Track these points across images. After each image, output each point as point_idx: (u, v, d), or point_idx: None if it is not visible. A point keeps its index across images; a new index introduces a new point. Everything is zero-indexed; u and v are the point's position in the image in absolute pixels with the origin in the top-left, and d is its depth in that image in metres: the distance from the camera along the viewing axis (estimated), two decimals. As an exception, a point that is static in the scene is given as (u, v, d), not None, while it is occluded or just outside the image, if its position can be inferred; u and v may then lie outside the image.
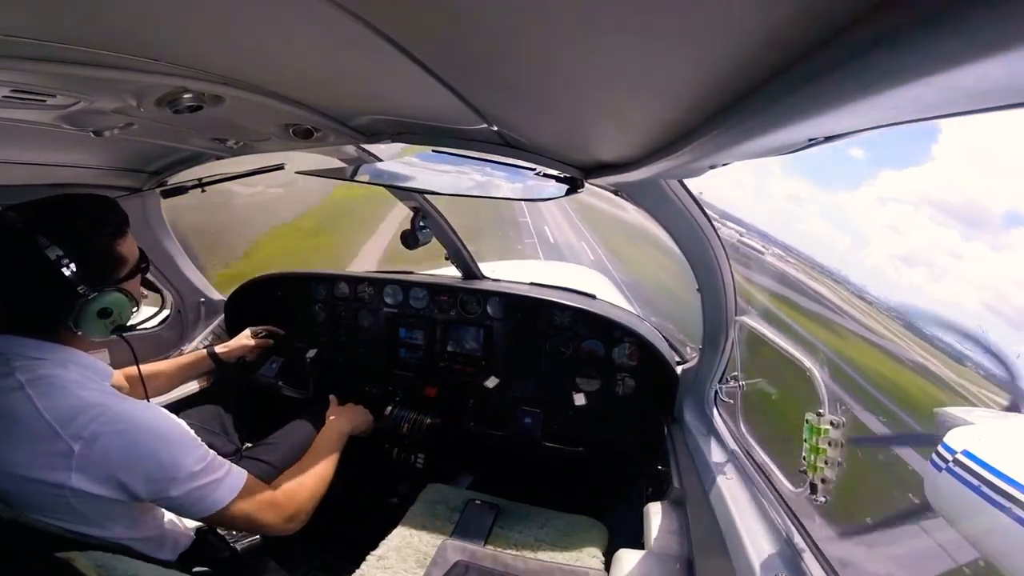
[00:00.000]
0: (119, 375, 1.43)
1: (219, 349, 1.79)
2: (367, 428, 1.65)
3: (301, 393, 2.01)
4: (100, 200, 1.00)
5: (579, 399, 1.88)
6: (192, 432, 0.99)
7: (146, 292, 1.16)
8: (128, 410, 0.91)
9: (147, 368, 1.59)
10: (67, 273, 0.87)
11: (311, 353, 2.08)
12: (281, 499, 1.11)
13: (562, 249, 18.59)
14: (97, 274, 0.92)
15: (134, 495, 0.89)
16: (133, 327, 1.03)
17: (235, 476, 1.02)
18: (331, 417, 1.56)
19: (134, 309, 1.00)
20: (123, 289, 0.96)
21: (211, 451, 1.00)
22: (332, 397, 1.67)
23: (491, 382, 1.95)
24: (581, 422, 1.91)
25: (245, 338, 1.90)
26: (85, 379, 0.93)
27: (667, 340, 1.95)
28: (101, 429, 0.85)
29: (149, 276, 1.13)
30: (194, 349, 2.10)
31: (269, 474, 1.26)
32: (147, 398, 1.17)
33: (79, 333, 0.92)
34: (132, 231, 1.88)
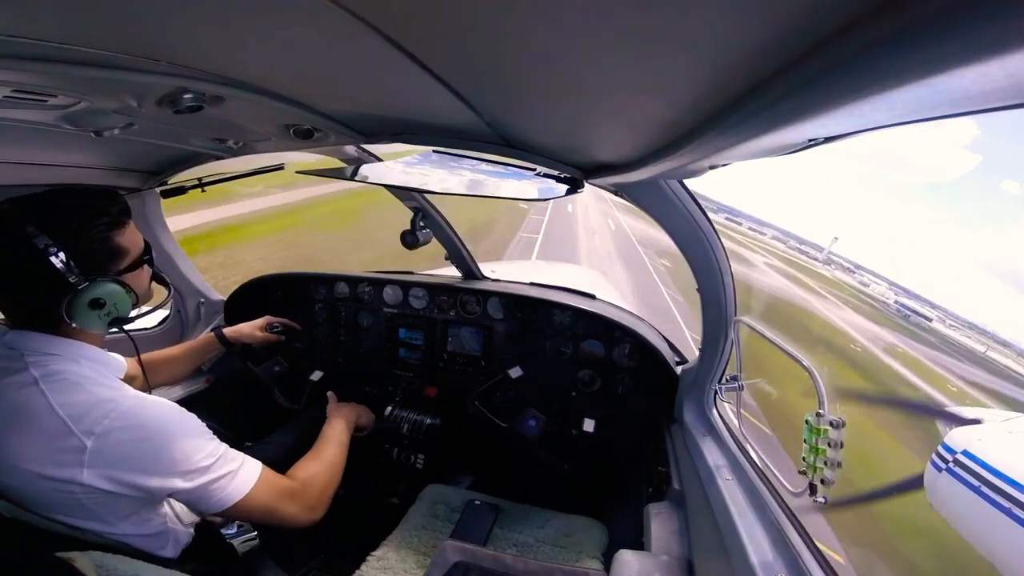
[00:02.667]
0: (132, 363, 1.43)
1: (228, 331, 1.77)
2: (368, 423, 1.65)
3: (292, 404, 1.99)
4: (99, 191, 0.97)
5: (588, 426, 1.86)
6: (204, 426, 0.99)
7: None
8: (141, 405, 0.91)
9: (158, 354, 1.58)
10: (56, 263, 0.86)
11: (316, 376, 2.05)
12: (300, 489, 1.10)
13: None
14: (90, 264, 0.91)
15: (147, 491, 0.89)
16: (133, 320, 1.00)
17: (251, 468, 1.02)
18: (332, 411, 1.55)
19: (134, 302, 0.98)
20: (119, 280, 0.95)
21: (224, 444, 0.99)
22: (331, 394, 1.66)
23: (515, 372, 1.91)
24: (583, 443, 1.91)
25: (258, 328, 1.85)
26: (98, 375, 0.94)
27: (667, 340, 1.95)
28: (114, 425, 0.85)
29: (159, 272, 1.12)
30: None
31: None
32: (148, 390, 1.16)
33: (74, 325, 0.91)
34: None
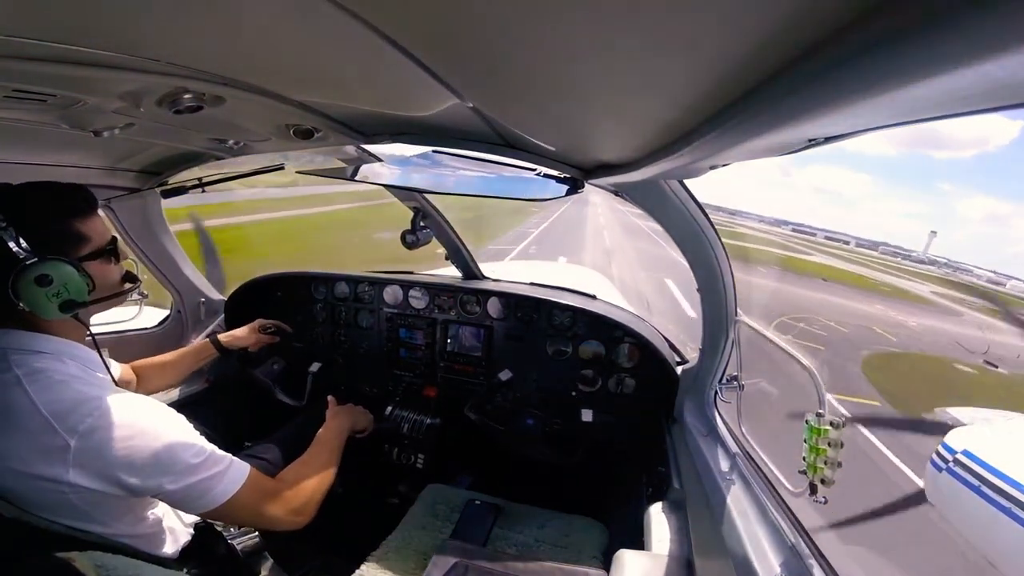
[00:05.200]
0: (126, 369, 1.44)
1: (223, 337, 1.77)
2: (367, 426, 1.65)
3: (295, 401, 2.00)
4: (65, 184, 0.96)
5: (586, 415, 1.87)
6: (191, 426, 0.98)
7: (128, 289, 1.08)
8: (125, 404, 0.90)
9: (152, 360, 1.58)
10: (7, 240, 0.85)
11: (314, 367, 2.07)
12: (287, 492, 1.09)
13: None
14: (44, 246, 0.89)
15: (132, 490, 0.89)
16: (86, 305, 0.95)
17: (237, 469, 1.01)
18: (331, 415, 1.55)
19: (90, 288, 0.94)
20: (73, 263, 0.91)
21: (211, 445, 0.99)
22: (331, 397, 1.66)
23: (505, 375, 1.95)
24: (580, 421, 1.92)
25: (252, 330, 1.86)
26: (85, 373, 0.93)
27: (667, 340, 1.95)
28: (97, 423, 0.85)
29: (128, 266, 1.08)
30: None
31: (269, 471, 1.26)
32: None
33: (21, 305, 0.87)
34: (132, 231, 1.88)
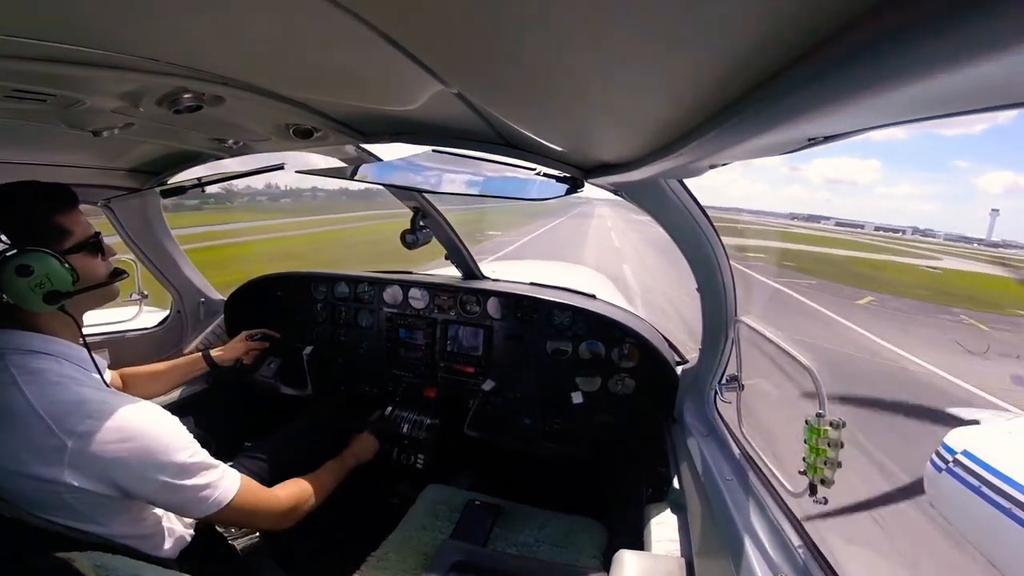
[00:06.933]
0: (115, 375, 1.44)
1: (215, 353, 1.80)
2: (374, 453, 1.76)
3: (300, 391, 2.01)
4: (45, 182, 0.98)
5: (576, 397, 1.88)
6: (187, 432, 0.99)
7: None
8: (124, 408, 0.90)
9: (143, 369, 1.59)
10: None
11: (307, 350, 2.09)
12: (275, 503, 1.14)
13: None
14: (25, 238, 0.90)
15: (127, 492, 0.89)
16: (71, 296, 0.95)
17: (230, 478, 1.03)
18: (354, 448, 1.67)
19: (74, 280, 0.94)
20: (54, 255, 0.92)
21: (205, 452, 1.00)
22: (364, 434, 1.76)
23: (487, 385, 1.96)
24: (580, 421, 1.92)
25: (240, 341, 1.91)
26: (82, 374, 0.94)
27: (667, 340, 1.95)
28: (96, 426, 0.85)
29: (123, 264, 1.10)
30: (193, 349, 2.10)
31: (269, 471, 1.26)
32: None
33: (4, 298, 0.88)
34: (132, 231, 1.88)
